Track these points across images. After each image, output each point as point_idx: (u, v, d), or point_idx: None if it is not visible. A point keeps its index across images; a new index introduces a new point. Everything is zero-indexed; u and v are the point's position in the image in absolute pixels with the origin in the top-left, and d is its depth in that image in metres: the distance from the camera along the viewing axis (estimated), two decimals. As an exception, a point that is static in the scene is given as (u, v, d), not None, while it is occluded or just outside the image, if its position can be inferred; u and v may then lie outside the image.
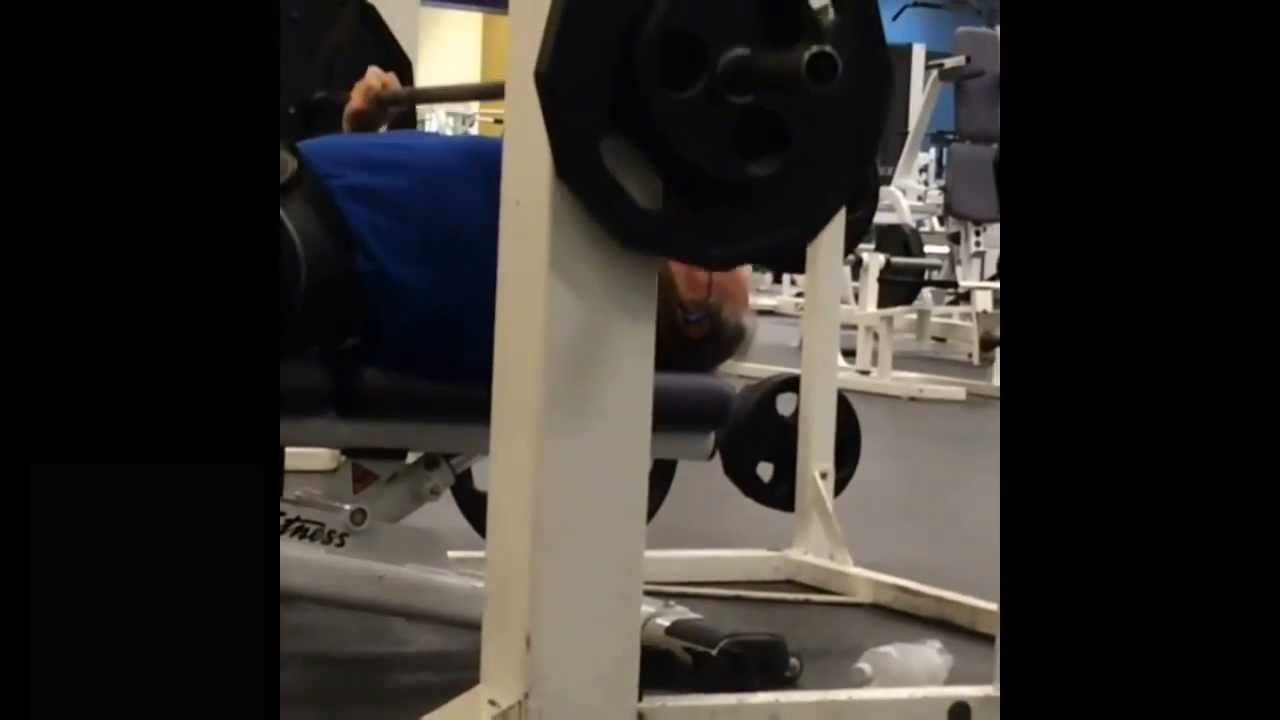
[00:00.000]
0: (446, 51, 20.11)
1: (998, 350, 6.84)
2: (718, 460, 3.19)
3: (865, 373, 7.84)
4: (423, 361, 2.51)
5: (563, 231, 1.91)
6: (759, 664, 2.53)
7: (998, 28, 9.54)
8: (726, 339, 2.79)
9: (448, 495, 2.78)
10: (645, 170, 1.91)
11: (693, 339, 2.73)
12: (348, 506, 2.56)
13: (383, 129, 2.98)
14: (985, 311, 8.27)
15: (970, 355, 8.81)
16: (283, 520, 2.52)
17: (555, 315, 1.93)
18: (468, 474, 2.92)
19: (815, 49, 1.81)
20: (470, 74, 20.39)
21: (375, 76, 2.91)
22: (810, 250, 3.40)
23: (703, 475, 3.35)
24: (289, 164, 2.52)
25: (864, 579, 3.36)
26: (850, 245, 3.53)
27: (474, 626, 2.13)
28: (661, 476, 3.25)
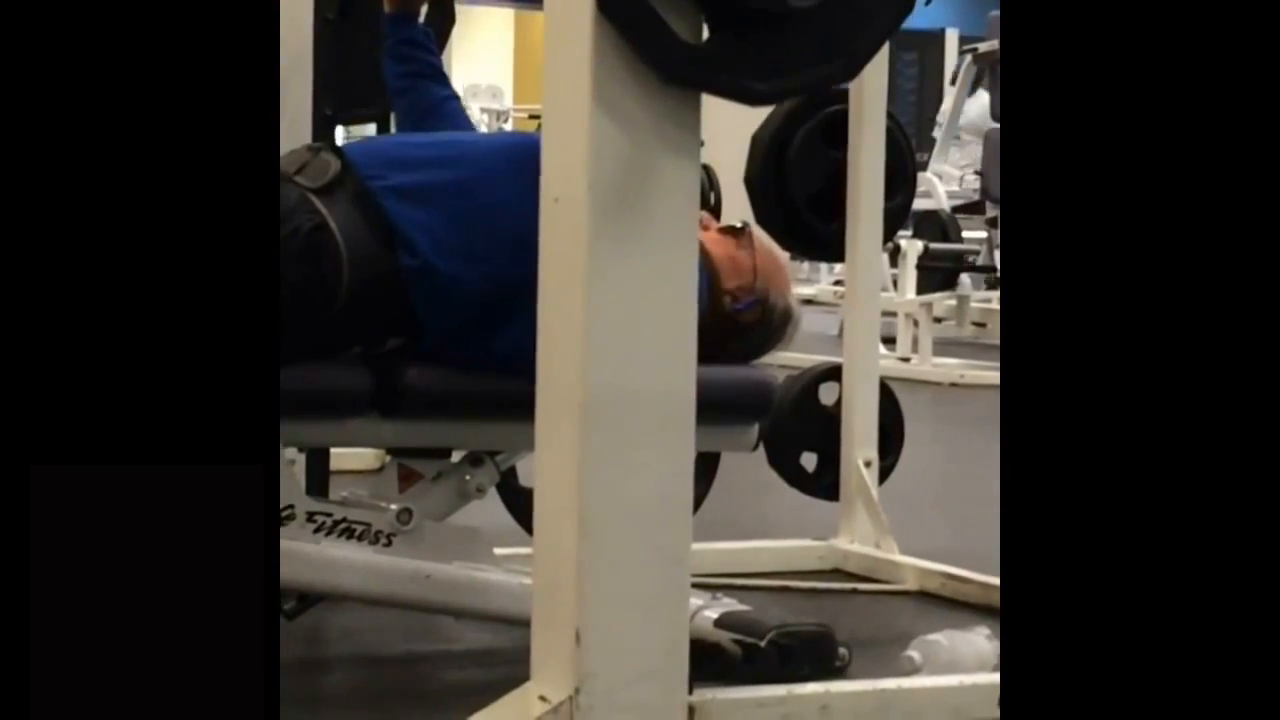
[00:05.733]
0: (479, 49, 20.10)
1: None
2: (761, 451, 3.18)
3: (906, 360, 7.82)
4: (466, 356, 2.52)
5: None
6: (808, 654, 2.52)
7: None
8: (777, 323, 2.80)
9: (493, 493, 2.78)
10: (686, 4, 1.90)
11: (745, 326, 2.74)
12: (394, 506, 2.56)
13: (423, 9, 2.99)
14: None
15: (1010, 340, 8.75)
16: (329, 521, 2.53)
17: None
18: (512, 471, 2.92)
19: None
20: (503, 71, 20.40)
21: None
22: (849, 238, 3.40)
23: (747, 466, 3.35)
24: (332, 165, 2.54)
25: (911, 566, 3.35)
26: (889, 232, 3.52)
27: (522, 623, 2.13)
28: (706, 468, 3.25)
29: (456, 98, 2.99)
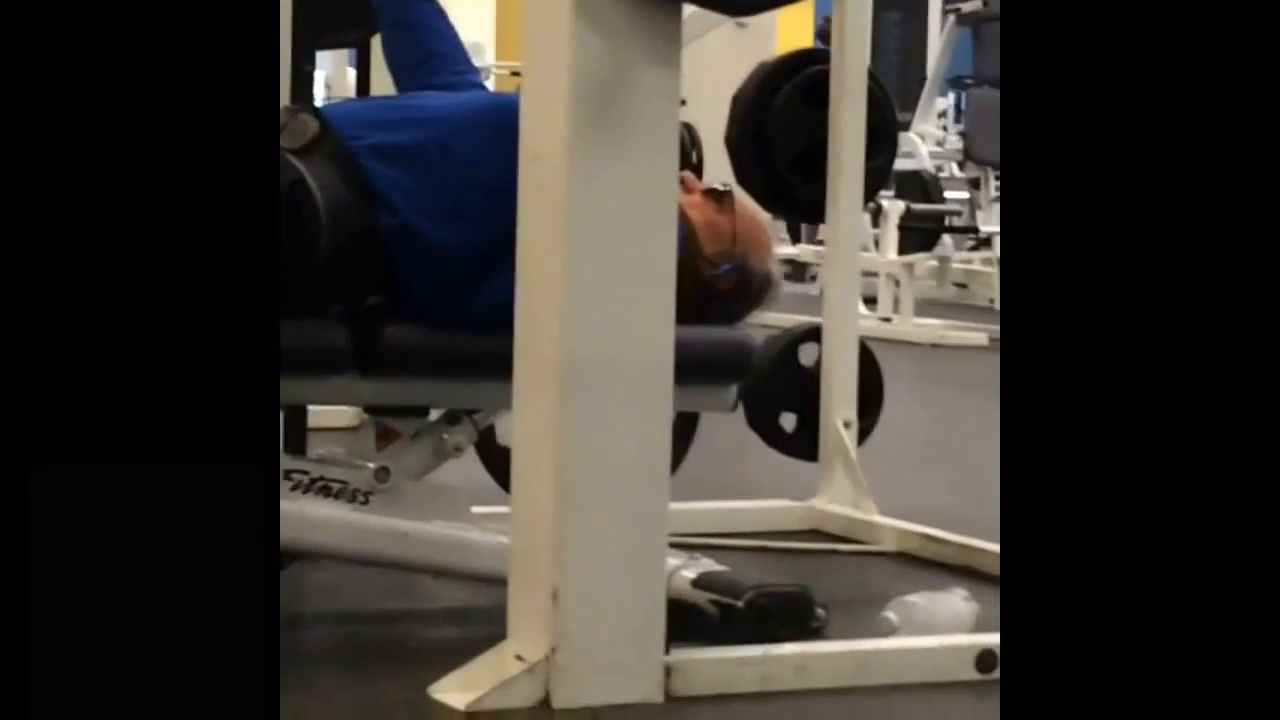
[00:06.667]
0: (460, 5, 20.03)
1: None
2: (740, 412, 3.18)
3: (887, 320, 7.82)
4: (446, 314, 2.52)
5: None
6: (785, 615, 2.52)
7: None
8: (755, 288, 2.79)
9: (471, 451, 2.78)
10: None
11: (722, 291, 2.73)
12: (371, 464, 2.56)
13: None
14: (1006, 257, 8.22)
15: (992, 301, 8.78)
16: (306, 479, 2.52)
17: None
18: (490, 429, 2.92)
19: None
20: (485, 27, 20.34)
21: None
22: (830, 198, 3.39)
23: (726, 427, 3.34)
24: (310, 125, 2.54)
25: (889, 528, 3.35)
26: (870, 193, 3.51)
27: (499, 582, 2.13)
28: (684, 429, 3.25)
29: (443, 12, 2.92)
